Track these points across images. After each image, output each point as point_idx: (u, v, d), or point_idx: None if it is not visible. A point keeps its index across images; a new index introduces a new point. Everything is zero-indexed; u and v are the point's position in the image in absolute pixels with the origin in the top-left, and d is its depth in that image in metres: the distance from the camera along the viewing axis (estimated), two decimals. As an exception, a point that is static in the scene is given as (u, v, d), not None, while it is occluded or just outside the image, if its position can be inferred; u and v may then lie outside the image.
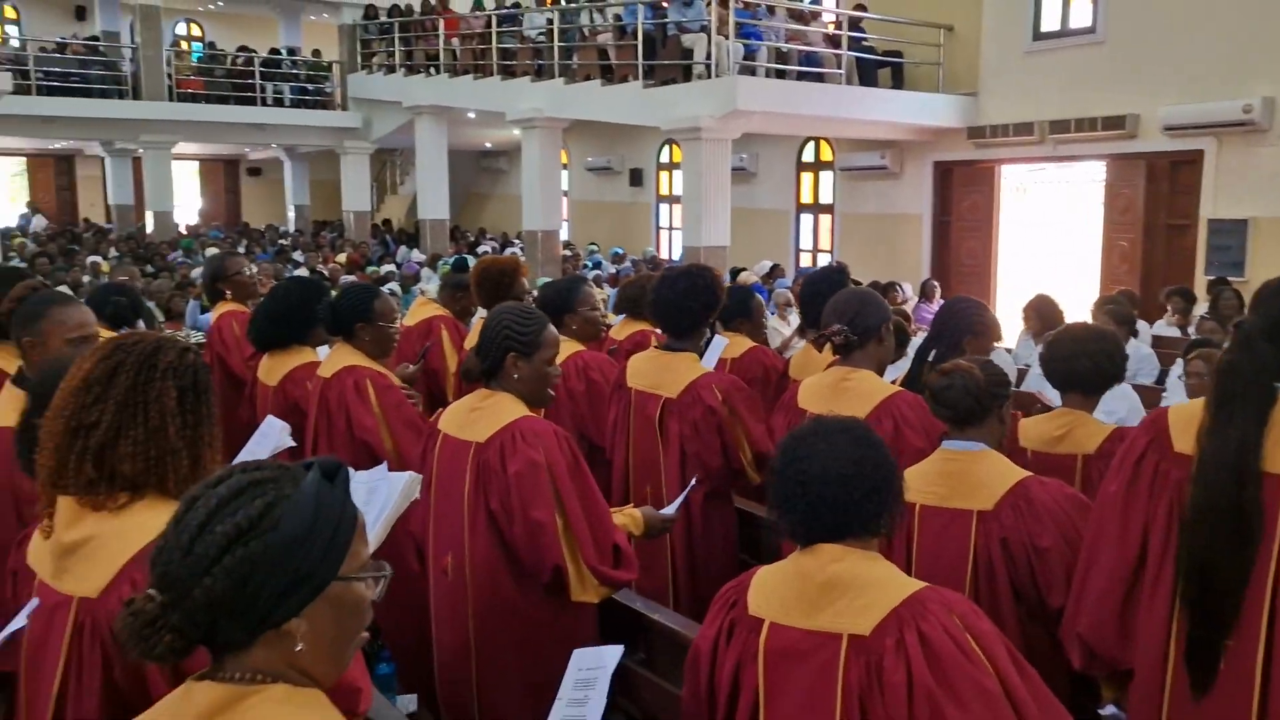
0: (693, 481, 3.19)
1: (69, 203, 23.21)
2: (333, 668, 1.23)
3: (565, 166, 17.80)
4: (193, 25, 22.57)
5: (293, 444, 3.26)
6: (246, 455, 3.07)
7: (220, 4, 21.35)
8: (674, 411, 3.45)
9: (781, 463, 1.82)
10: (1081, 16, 11.10)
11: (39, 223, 20.06)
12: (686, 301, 3.48)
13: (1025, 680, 1.68)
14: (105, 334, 2.70)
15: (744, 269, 11.31)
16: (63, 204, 23.07)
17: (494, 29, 14.26)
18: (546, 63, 13.34)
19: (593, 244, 16.80)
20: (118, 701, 1.61)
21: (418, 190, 17.07)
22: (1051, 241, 12.40)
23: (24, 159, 22.71)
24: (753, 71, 10.94)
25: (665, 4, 11.85)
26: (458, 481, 2.70)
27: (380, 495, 2.37)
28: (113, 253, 14.99)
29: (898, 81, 12.11)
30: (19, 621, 1.67)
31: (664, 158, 17.31)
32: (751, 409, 3.44)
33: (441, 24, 15.66)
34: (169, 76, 17.17)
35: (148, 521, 1.63)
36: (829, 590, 1.75)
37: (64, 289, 7.64)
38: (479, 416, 2.73)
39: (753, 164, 15.13)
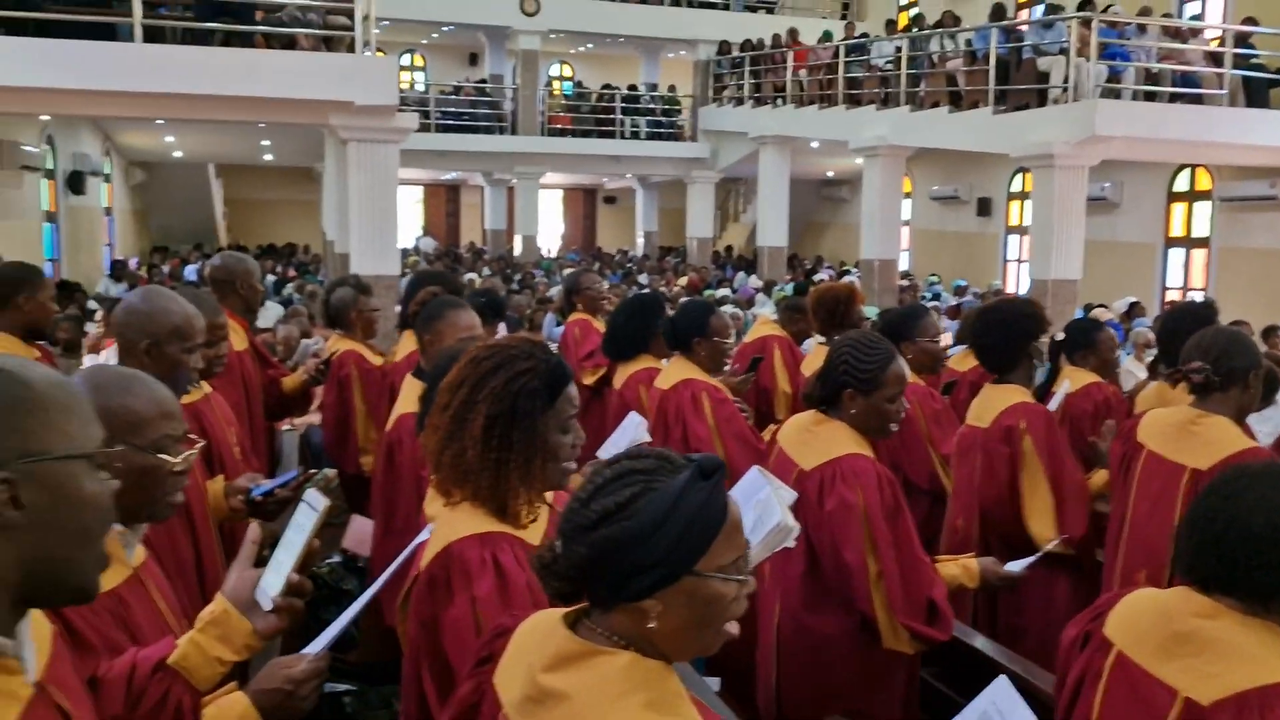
0: (1051, 542, 2.99)
1: (454, 227, 26.20)
2: (683, 649, 1.31)
3: (908, 195, 17.50)
4: (565, 66, 24.71)
5: (649, 439, 3.48)
6: (611, 447, 3.35)
7: (590, 46, 23.19)
8: (979, 444, 3.33)
9: (1214, 498, 1.69)
10: None
11: (428, 243, 22.81)
12: (1001, 336, 3.36)
13: None
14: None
15: (1100, 305, 10.56)
16: (449, 228, 26.09)
17: (841, 59, 14.38)
18: (893, 90, 13.24)
19: (933, 275, 16.36)
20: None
21: (758, 218, 17.52)
22: None
23: (421, 188, 25.95)
24: (1116, 95, 10.22)
25: (1022, 27, 11.37)
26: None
27: (763, 524, 2.26)
28: (486, 270, 16.75)
29: (1295, 101, 10.77)
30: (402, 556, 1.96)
31: (1015, 186, 16.51)
32: (1057, 461, 3.21)
33: (791, 56, 16.02)
34: (542, 114, 18.94)
35: (462, 524, 1.81)
36: (1183, 642, 1.64)
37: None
38: (811, 439, 2.73)
39: (1115, 193, 14.04)
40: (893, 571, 2.51)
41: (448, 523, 1.84)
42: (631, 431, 3.45)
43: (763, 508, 2.26)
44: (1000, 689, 1.80)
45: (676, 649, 1.31)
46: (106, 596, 1.63)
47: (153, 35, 8.36)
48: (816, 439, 2.71)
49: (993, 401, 3.37)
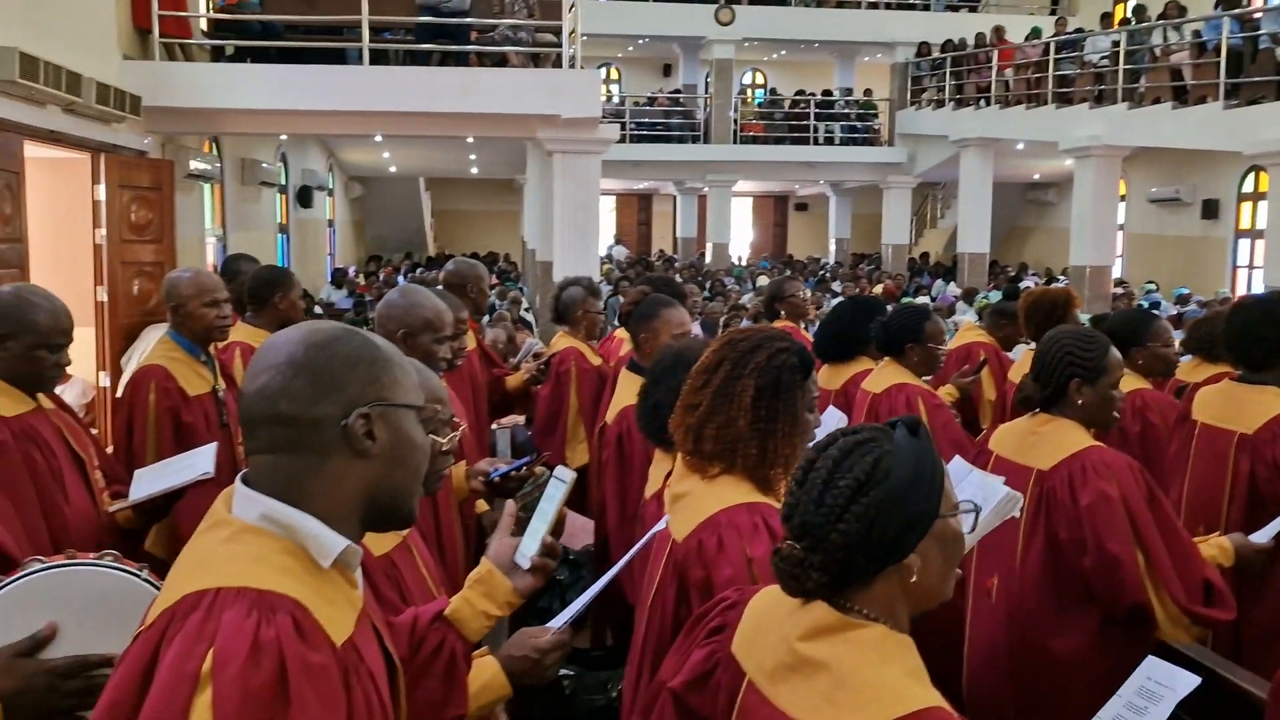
0: None
1: (645, 235, 26.71)
2: (937, 595, 1.41)
3: (1122, 198, 16.50)
4: (758, 74, 24.76)
5: None
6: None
7: (783, 53, 23.15)
8: (1248, 449, 3.15)
9: None
10: None
11: (620, 251, 23.36)
12: (1262, 330, 3.15)
13: None
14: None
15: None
16: (640, 236, 26.61)
17: (1051, 55, 13.76)
18: (1108, 87, 12.56)
19: (1150, 282, 15.36)
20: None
21: (958, 223, 17.00)
22: None
23: (614, 197, 26.61)
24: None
25: (1257, 15, 10.54)
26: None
27: (990, 494, 2.29)
28: (677, 279, 16.97)
29: None
30: (643, 540, 2.06)
31: (1246, 186, 15.28)
32: None
33: (996, 55, 15.46)
34: (734, 121, 19.05)
35: (726, 494, 1.95)
36: None
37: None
38: (1039, 441, 2.68)
39: (1365, 192, 12.75)
40: (1163, 558, 2.45)
41: (708, 495, 1.96)
42: (832, 426, 3.46)
43: (981, 482, 2.33)
44: (1152, 665, 1.79)
45: (931, 596, 1.40)
46: (383, 559, 1.82)
47: (377, 58, 8.99)
48: (1045, 439, 2.66)
49: (1254, 404, 3.16)
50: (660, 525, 2.00)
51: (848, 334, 4.26)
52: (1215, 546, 2.66)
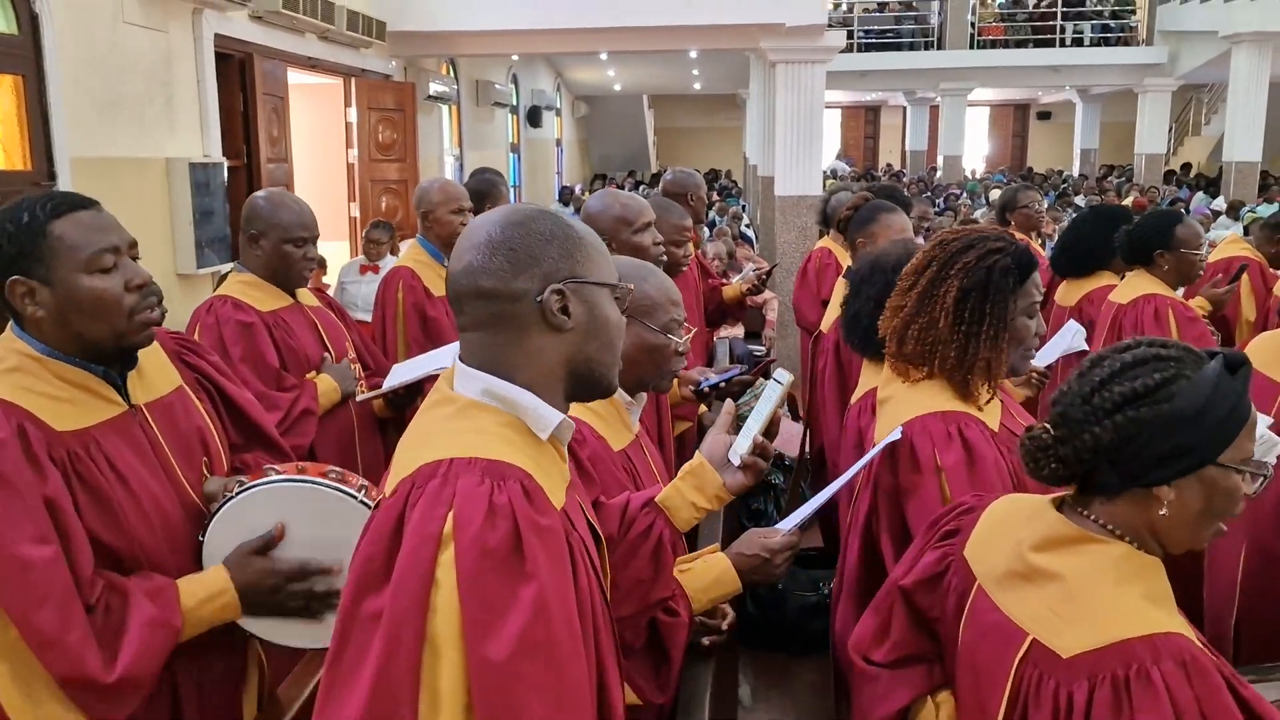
0: None
1: (872, 149, 25.83)
2: (1187, 539, 1.34)
3: None
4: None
5: (1085, 348, 3.32)
6: (1044, 356, 3.21)
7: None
8: None
9: None
10: None
11: (844, 167, 22.72)
12: None
13: None
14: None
15: None
16: (867, 150, 25.76)
17: (1351, -67, 12.05)
18: None
19: None
20: (870, 536, 1.95)
21: (1226, 129, 15.35)
22: None
23: (840, 111, 25.81)
24: None
25: None
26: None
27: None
28: (905, 193, 16.35)
29: None
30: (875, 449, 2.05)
31: None
32: None
33: (1280, -64, 13.69)
34: (972, 25, 17.92)
35: (926, 399, 1.89)
36: None
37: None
38: None
39: None
40: None
41: (907, 400, 1.93)
42: (1068, 340, 3.29)
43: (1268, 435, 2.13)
44: None
45: (1176, 540, 1.34)
46: (619, 454, 1.93)
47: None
48: None
49: None
50: (892, 437, 1.95)
51: (1086, 245, 4.01)
52: None
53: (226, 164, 6.24)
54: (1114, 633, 1.26)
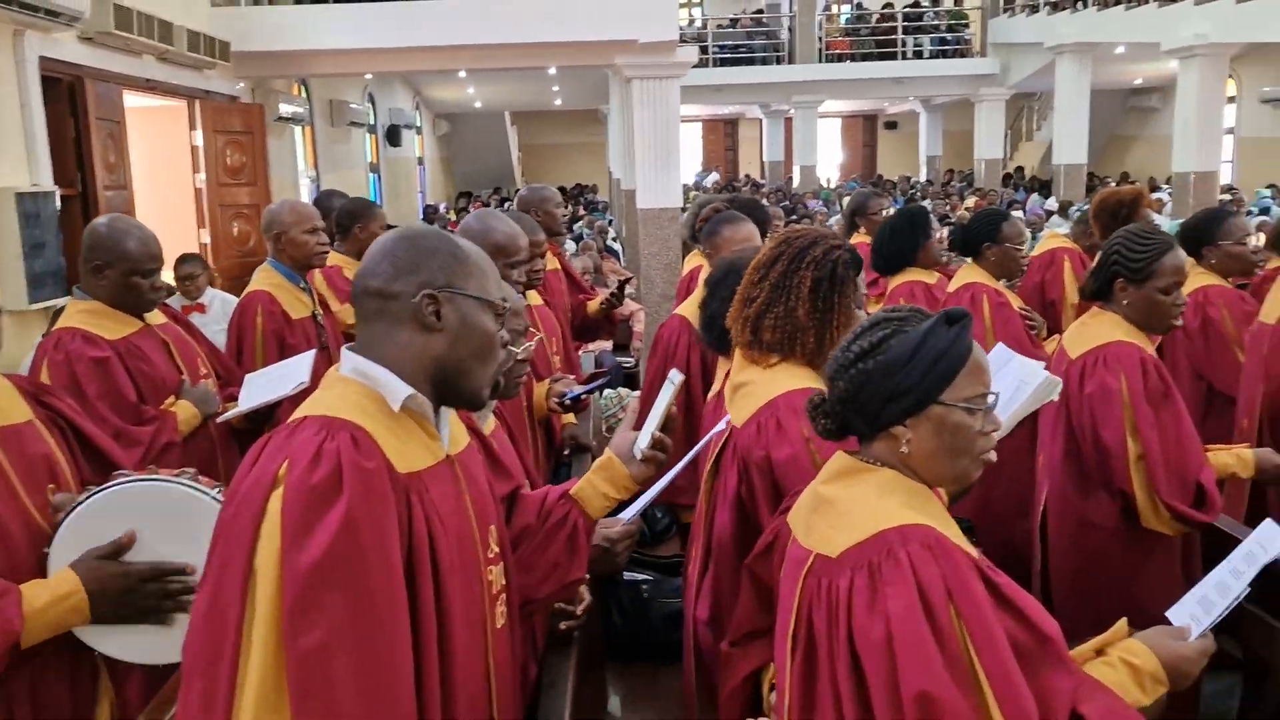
0: None
1: (733, 161, 26.41)
2: (937, 475, 1.52)
3: (1231, 100, 15.64)
4: (843, -12, 24.01)
5: None
6: None
7: (869, -35, 22.38)
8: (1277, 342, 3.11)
9: None
10: None
11: (710, 178, 23.18)
12: None
13: None
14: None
15: None
16: (728, 162, 26.33)
17: (1154, -49, 13.02)
18: (1216, -19, 11.85)
19: (1270, 185, 14.61)
20: (742, 508, 2.07)
21: (1054, 134, 16.35)
22: None
23: (700, 124, 26.31)
24: None
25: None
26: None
27: (1029, 380, 2.37)
28: (764, 203, 16.80)
29: None
30: (707, 437, 2.18)
31: (1371, 81, 14.32)
32: None
33: (1093, -46, 14.68)
34: (820, 40, 18.58)
35: (784, 380, 2.05)
36: None
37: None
38: (1083, 330, 2.77)
39: None
40: (1155, 453, 2.53)
41: (767, 381, 2.08)
42: None
43: (1021, 367, 2.39)
44: (1266, 529, 1.78)
45: (932, 474, 1.51)
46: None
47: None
48: (1087, 330, 2.75)
49: None
50: (720, 426, 2.10)
51: (893, 245, 4.25)
52: (1235, 456, 2.70)
53: (59, 193, 5.94)
54: (873, 527, 1.44)
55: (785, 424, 2.01)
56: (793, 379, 2.05)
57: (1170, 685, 1.57)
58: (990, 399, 1.50)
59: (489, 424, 2.09)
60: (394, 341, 1.45)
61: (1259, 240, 4.75)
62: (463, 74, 14.04)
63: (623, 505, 1.92)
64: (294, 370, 3.00)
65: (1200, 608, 1.69)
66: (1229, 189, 14.27)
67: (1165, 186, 14.55)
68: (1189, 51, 11.97)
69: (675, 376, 1.91)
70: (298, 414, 1.40)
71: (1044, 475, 2.87)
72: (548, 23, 8.81)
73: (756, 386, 2.09)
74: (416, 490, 1.40)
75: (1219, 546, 2.72)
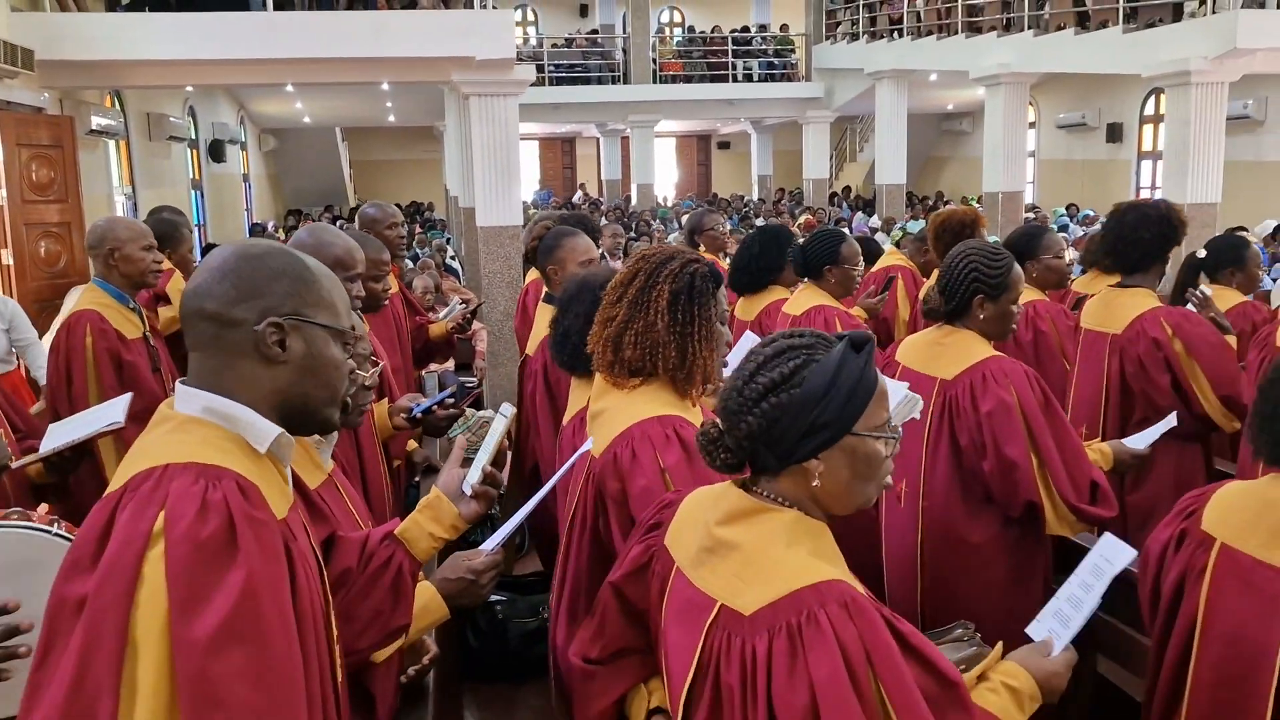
0: (1170, 418, 3.02)
1: (570, 179, 26.51)
2: (846, 503, 1.48)
3: (1033, 125, 16.87)
4: (675, 11, 24.54)
5: None
6: (731, 365, 3.49)
7: (699, -11, 23.01)
8: (1118, 349, 3.36)
9: (1268, 379, 1.79)
10: None
11: (545, 197, 23.17)
12: (1136, 234, 3.33)
13: None
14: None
15: (1242, 228, 10.07)
16: (566, 180, 26.41)
17: (960, -14, 13.93)
18: (1015, 15, 12.78)
19: (1066, 206, 15.82)
20: (599, 539, 2.04)
21: (876, 156, 17.21)
22: None
23: (537, 143, 26.30)
24: (1260, 3, 9.64)
25: (1155, -62, 10.78)
26: (931, 411, 2.78)
27: (891, 398, 2.42)
28: (603, 221, 16.95)
29: None
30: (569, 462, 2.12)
31: (1148, 110, 15.73)
32: (1213, 348, 3.22)
33: (906, -14, 15.59)
34: (653, 61, 18.94)
35: (643, 406, 2.01)
36: None
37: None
38: (942, 352, 2.79)
39: (1259, 110, 13.26)
40: (1055, 460, 2.59)
41: (624, 409, 2.03)
42: (747, 351, 3.59)
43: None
44: (1106, 543, 1.85)
45: (838, 504, 1.48)
46: (312, 494, 1.87)
47: (281, 3, 8.77)
48: (948, 349, 2.77)
49: (1123, 306, 3.38)
50: (586, 447, 2.05)
51: (758, 264, 4.37)
52: (1096, 451, 2.83)
53: None
54: (786, 585, 1.39)
55: (640, 454, 1.96)
56: (651, 404, 2.01)
57: (1044, 699, 1.62)
58: (897, 426, 1.49)
59: (329, 463, 2.00)
60: (236, 374, 1.32)
61: (1073, 254, 5.16)
62: (290, 88, 13.58)
63: (483, 534, 1.88)
64: (106, 412, 2.71)
65: (1057, 621, 1.75)
66: (1032, 208, 15.37)
67: (977, 205, 15.52)
68: (994, 80, 12.86)
69: (506, 409, 1.87)
70: (144, 463, 1.23)
71: (911, 503, 2.86)
72: (380, 38, 8.64)
73: (615, 413, 2.04)
74: (288, 539, 1.29)
75: (1070, 555, 2.92)
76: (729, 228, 8.94)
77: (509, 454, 1.93)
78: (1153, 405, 3.27)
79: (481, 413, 4.31)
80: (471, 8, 9.10)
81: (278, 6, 8.68)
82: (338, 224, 15.65)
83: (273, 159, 21.17)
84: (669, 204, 21.57)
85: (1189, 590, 1.82)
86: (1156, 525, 2.00)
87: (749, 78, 19.29)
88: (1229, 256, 4.05)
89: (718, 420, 1.52)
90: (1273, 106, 13.25)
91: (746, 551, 1.45)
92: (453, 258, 12.79)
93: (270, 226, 16.51)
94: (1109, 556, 1.81)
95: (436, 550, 1.75)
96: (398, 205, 6.45)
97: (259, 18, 8.59)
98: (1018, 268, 2.74)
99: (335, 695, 1.38)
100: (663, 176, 24.44)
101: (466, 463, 1.82)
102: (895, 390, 2.37)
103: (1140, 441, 2.91)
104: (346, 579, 1.66)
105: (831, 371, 1.42)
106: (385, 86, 13.26)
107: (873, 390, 1.45)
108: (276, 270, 1.35)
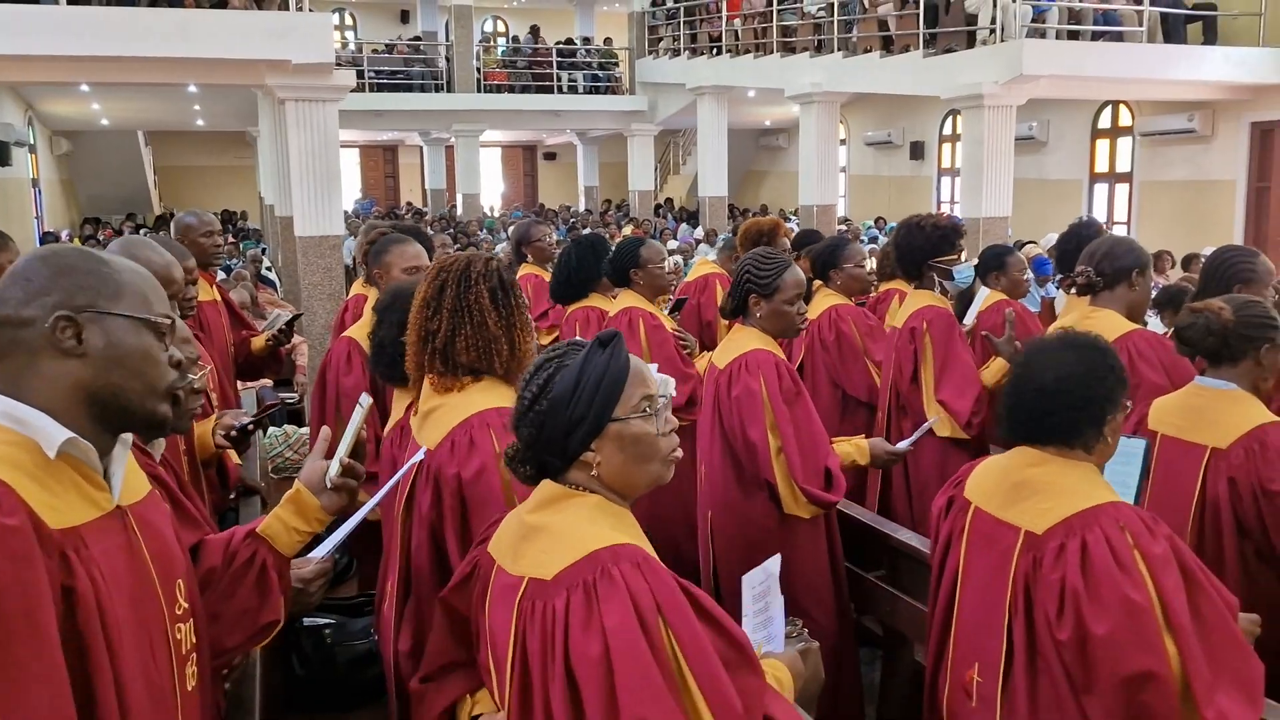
0: (930, 421, 3.43)
1: (393, 188, 25.95)
2: (632, 484, 1.61)
3: (844, 142, 17.73)
4: (499, 21, 24.45)
5: None
6: None
7: (522, 1, 22.98)
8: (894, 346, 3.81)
9: (1016, 367, 2.06)
10: None
11: (367, 206, 22.57)
12: (910, 242, 3.77)
13: (1195, 606, 1.78)
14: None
15: (1030, 242, 10.93)
16: (388, 189, 25.82)
17: (774, 7, 14.49)
18: (826, 37, 13.42)
19: (878, 218, 16.73)
20: (435, 531, 2.08)
21: (698, 169, 17.66)
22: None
23: (357, 150, 25.61)
24: (1041, 34, 10.51)
25: (949, -30, 11.56)
26: (709, 399, 3.11)
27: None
28: (429, 231, 16.67)
29: (1210, 36, 11.15)
30: (404, 468, 2.14)
31: (947, 129, 16.84)
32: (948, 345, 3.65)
33: (725, 6, 16.07)
34: (478, 70, 18.78)
35: (478, 400, 2.09)
36: (1020, 489, 1.97)
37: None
38: (728, 344, 3.10)
39: (1042, 132, 14.43)
40: (791, 445, 2.88)
41: (461, 403, 2.09)
42: None
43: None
44: (749, 579, 1.95)
45: (627, 485, 1.60)
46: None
47: (76, -3, 8.23)
48: (731, 343, 3.08)
49: (908, 306, 3.80)
50: (417, 457, 2.08)
51: (577, 275, 4.46)
52: (854, 446, 3.15)
53: None
54: (584, 549, 1.50)
55: (477, 440, 2.04)
56: (489, 398, 2.09)
57: (807, 684, 1.80)
58: (661, 401, 1.61)
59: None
60: (35, 374, 1.32)
61: (872, 264, 5.54)
62: (85, 88, 12.73)
63: (315, 542, 1.85)
64: None
65: (761, 635, 1.86)
66: (844, 220, 16.17)
67: (794, 216, 16.19)
68: (807, 98, 13.45)
69: (365, 400, 1.88)
70: None
71: (705, 484, 3.14)
72: (186, 37, 8.23)
73: (451, 409, 2.10)
74: (74, 547, 1.27)
75: (867, 538, 3.12)
76: (556, 238, 8.99)
77: (367, 445, 1.93)
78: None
79: (302, 430, 4.17)
80: (286, 9, 8.79)
81: (71, 1, 8.13)
82: (141, 232, 14.80)
83: (65, 163, 19.75)
84: (495, 214, 21.46)
85: (953, 548, 2.11)
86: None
87: (574, 89, 19.42)
88: (994, 263, 4.49)
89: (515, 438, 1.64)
90: (1054, 129, 14.45)
91: (553, 531, 1.56)
92: (268, 269, 12.28)
93: (64, 235, 15.41)
94: (761, 581, 1.91)
95: (302, 544, 1.75)
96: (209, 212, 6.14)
97: (51, 11, 8.04)
98: (792, 272, 3.01)
99: (177, 701, 1.40)
100: (489, 186, 24.26)
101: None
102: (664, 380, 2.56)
103: (903, 444, 3.29)
104: (212, 578, 1.67)
105: (576, 372, 1.56)
106: (192, 89, 12.63)
107: (623, 378, 1.57)
108: (65, 266, 1.36)
